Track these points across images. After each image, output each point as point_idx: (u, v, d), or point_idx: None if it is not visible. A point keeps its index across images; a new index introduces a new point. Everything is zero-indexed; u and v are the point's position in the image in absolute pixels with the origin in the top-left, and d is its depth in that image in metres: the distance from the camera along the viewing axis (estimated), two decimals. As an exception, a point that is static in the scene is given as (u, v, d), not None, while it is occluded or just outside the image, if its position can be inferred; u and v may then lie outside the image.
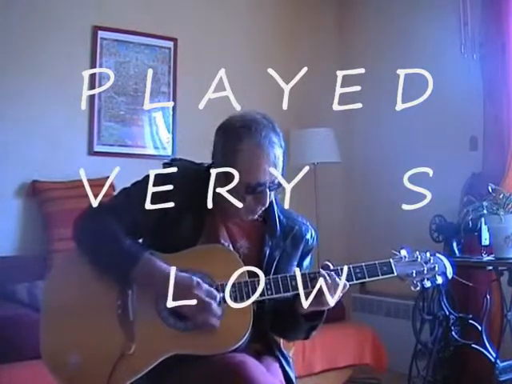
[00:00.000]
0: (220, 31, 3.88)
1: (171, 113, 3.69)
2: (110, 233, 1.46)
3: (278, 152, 1.48)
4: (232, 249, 1.54)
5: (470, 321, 2.72)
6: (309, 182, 3.81)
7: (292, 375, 1.57)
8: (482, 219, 2.66)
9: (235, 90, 3.87)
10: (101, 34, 3.45)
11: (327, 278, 1.46)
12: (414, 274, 1.52)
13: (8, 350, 2.23)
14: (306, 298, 1.48)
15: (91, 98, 3.41)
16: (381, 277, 1.51)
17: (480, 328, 2.64)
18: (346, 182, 4.25)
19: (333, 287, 1.46)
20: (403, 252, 1.55)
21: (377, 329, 3.28)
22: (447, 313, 2.75)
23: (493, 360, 2.58)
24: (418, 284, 1.53)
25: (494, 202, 2.60)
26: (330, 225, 3.91)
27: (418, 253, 1.57)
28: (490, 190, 2.63)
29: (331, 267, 1.50)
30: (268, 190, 1.48)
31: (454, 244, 2.85)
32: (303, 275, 1.48)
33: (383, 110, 3.92)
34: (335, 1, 4.34)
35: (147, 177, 1.55)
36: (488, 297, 2.66)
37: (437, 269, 1.54)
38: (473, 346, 2.70)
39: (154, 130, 3.64)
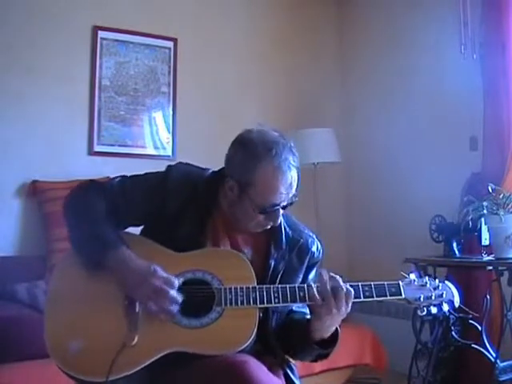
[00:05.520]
0: (220, 31, 3.88)
1: (171, 113, 3.68)
2: (93, 215, 1.48)
3: (295, 174, 1.49)
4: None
5: (470, 321, 2.71)
6: (309, 182, 3.81)
7: (297, 382, 1.57)
8: (482, 219, 2.66)
9: (235, 90, 3.88)
10: (101, 34, 3.45)
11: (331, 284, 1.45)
12: (422, 299, 1.52)
13: (8, 349, 2.24)
14: (312, 312, 1.49)
15: (91, 97, 3.42)
16: (388, 297, 1.50)
17: (480, 328, 2.64)
18: (346, 182, 4.25)
19: (338, 298, 1.44)
20: (412, 276, 1.54)
21: (377, 329, 3.28)
22: (447, 313, 2.75)
23: (493, 360, 2.58)
24: (425, 309, 1.52)
25: (494, 201, 2.60)
26: (330, 225, 3.91)
27: (427, 278, 1.56)
28: (490, 190, 2.63)
29: (341, 281, 1.48)
30: (281, 210, 1.50)
31: (454, 244, 2.86)
32: (310, 287, 1.48)
33: (383, 110, 3.93)
34: (335, 1, 4.34)
35: (147, 173, 1.57)
36: (488, 297, 2.66)
37: (444, 296, 1.53)
38: (473, 346, 2.70)
39: (153, 130, 3.64)
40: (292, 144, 1.51)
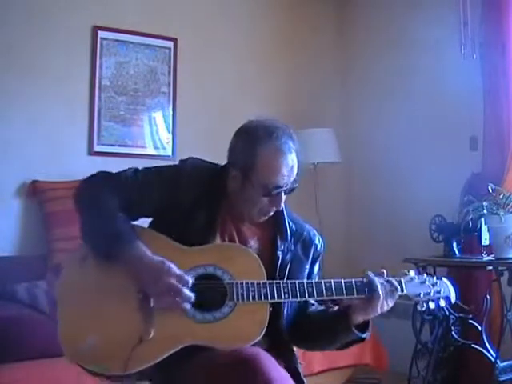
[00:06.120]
0: (220, 31, 3.88)
1: (171, 113, 3.68)
2: (107, 208, 1.48)
3: (295, 158, 1.53)
4: None
5: (470, 321, 2.72)
6: (309, 182, 3.81)
7: (303, 379, 1.59)
8: (482, 219, 2.67)
9: (235, 90, 3.88)
10: (101, 34, 3.45)
11: (383, 285, 1.51)
12: (422, 295, 1.58)
13: (8, 349, 2.24)
14: (358, 304, 1.53)
15: (91, 97, 3.42)
16: None
17: (480, 328, 2.64)
18: (346, 182, 4.25)
19: (389, 294, 1.51)
20: (412, 273, 1.60)
21: (377, 329, 3.27)
22: (447, 313, 2.75)
23: (493, 360, 2.58)
24: (424, 305, 1.58)
25: (494, 201, 2.61)
26: (330, 225, 3.91)
27: (425, 275, 1.62)
28: (490, 190, 2.63)
29: (385, 274, 1.56)
30: (283, 194, 1.53)
31: (454, 244, 2.86)
32: (319, 283, 1.51)
33: (383, 110, 3.93)
34: (335, 1, 4.34)
35: (159, 166, 1.60)
36: (488, 297, 2.66)
37: (442, 292, 1.59)
38: (473, 345, 2.71)
39: (153, 130, 3.64)
40: (292, 131, 1.56)
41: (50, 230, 3.03)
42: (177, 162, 1.61)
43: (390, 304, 1.53)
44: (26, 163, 3.18)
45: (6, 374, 2.15)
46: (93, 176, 1.56)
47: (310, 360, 2.89)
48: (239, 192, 1.53)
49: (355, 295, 1.51)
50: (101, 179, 1.55)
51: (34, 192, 3.14)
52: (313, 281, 1.54)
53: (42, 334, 2.21)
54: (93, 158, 3.40)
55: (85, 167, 3.27)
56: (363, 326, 1.56)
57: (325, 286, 1.51)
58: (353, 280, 1.52)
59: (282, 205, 1.55)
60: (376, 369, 3.20)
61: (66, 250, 2.83)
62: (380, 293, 1.49)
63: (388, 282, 1.53)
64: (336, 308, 1.62)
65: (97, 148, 3.43)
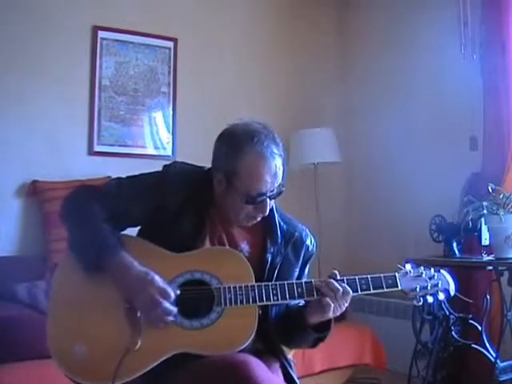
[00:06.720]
0: (220, 31, 3.88)
1: (171, 113, 3.68)
2: (92, 220, 1.47)
3: (279, 162, 1.50)
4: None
5: (470, 321, 2.71)
6: (309, 182, 3.81)
7: (296, 378, 1.58)
8: (482, 219, 2.66)
9: (235, 91, 3.89)
10: (101, 34, 3.45)
11: (331, 286, 1.48)
12: (418, 289, 1.55)
13: (8, 349, 2.24)
14: (312, 306, 1.51)
15: (91, 97, 3.42)
16: (385, 289, 1.54)
17: (480, 328, 2.64)
18: (346, 181, 4.25)
19: (337, 297, 1.48)
20: (408, 266, 1.57)
21: (377, 329, 3.28)
22: (447, 313, 2.75)
23: (493, 360, 2.58)
24: (421, 299, 1.55)
25: (494, 201, 2.60)
26: (330, 225, 3.91)
27: (422, 268, 1.59)
28: (490, 190, 2.63)
29: (338, 276, 1.52)
30: (268, 200, 1.51)
31: (454, 244, 2.85)
32: (309, 283, 1.50)
33: (383, 110, 3.93)
34: (335, 1, 4.34)
35: (143, 174, 1.58)
36: (488, 297, 2.66)
37: (440, 285, 1.56)
38: (473, 345, 2.70)
39: (154, 130, 3.64)
40: (275, 135, 1.53)
41: (50, 230, 3.03)
42: (161, 168, 1.60)
43: (343, 306, 1.50)
44: (26, 163, 3.18)
45: (5, 374, 2.15)
46: (75, 191, 1.56)
47: (310, 360, 2.89)
48: (225, 196, 1.52)
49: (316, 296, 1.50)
50: (84, 193, 1.55)
51: (34, 192, 3.14)
52: (302, 281, 1.53)
53: (41, 334, 2.20)
54: (93, 158, 3.40)
55: (85, 167, 3.29)
56: (327, 325, 1.55)
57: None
58: (312, 280, 1.51)
59: (268, 210, 1.53)
60: (376, 369, 3.20)
61: (66, 251, 2.83)
62: (327, 298, 1.47)
63: (340, 284, 1.49)
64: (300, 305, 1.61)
65: (97, 148, 3.42)
